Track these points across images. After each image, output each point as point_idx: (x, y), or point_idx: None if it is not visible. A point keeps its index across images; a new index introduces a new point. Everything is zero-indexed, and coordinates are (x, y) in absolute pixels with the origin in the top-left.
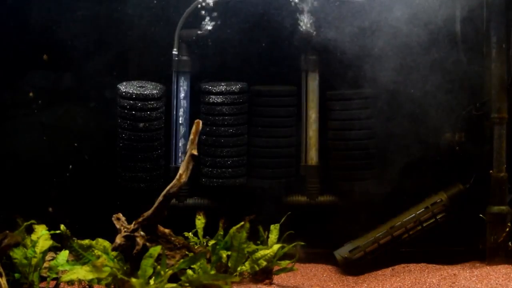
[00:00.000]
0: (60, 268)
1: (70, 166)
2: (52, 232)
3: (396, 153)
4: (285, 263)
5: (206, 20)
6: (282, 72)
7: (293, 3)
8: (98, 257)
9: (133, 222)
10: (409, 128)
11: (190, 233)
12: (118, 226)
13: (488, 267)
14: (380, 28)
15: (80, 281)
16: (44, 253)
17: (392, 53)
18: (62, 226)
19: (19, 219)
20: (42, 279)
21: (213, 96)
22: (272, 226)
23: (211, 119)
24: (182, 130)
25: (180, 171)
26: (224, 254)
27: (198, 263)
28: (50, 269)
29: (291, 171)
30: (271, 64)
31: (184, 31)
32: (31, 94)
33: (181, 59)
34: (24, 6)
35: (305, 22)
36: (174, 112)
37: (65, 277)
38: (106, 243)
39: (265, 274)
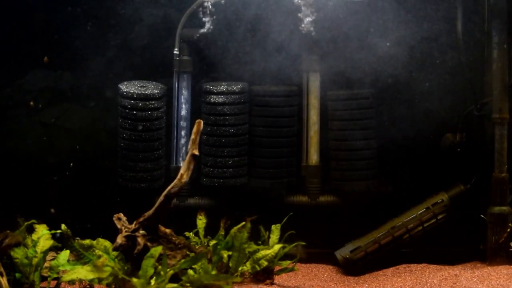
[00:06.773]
0: (61, 268)
1: (71, 165)
2: (53, 232)
3: (397, 153)
4: (286, 263)
5: (206, 19)
6: (283, 72)
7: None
8: (99, 257)
9: (134, 222)
10: (410, 128)
11: (191, 233)
12: (119, 226)
13: (489, 268)
14: (383, 29)
15: (81, 281)
16: (45, 253)
17: (389, 52)
18: (63, 226)
19: (20, 218)
20: (43, 279)
21: (214, 96)
22: (273, 226)
23: (212, 119)
24: (183, 130)
25: (181, 171)
26: (225, 254)
27: (199, 263)
28: (51, 269)
29: (292, 171)
30: (272, 64)
31: (185, 31)
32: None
33: (182, 59)
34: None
35: (306, 22)
36: (175, 112)
37: (66, 277)
38: (107, 243)
39: (266, 274)
